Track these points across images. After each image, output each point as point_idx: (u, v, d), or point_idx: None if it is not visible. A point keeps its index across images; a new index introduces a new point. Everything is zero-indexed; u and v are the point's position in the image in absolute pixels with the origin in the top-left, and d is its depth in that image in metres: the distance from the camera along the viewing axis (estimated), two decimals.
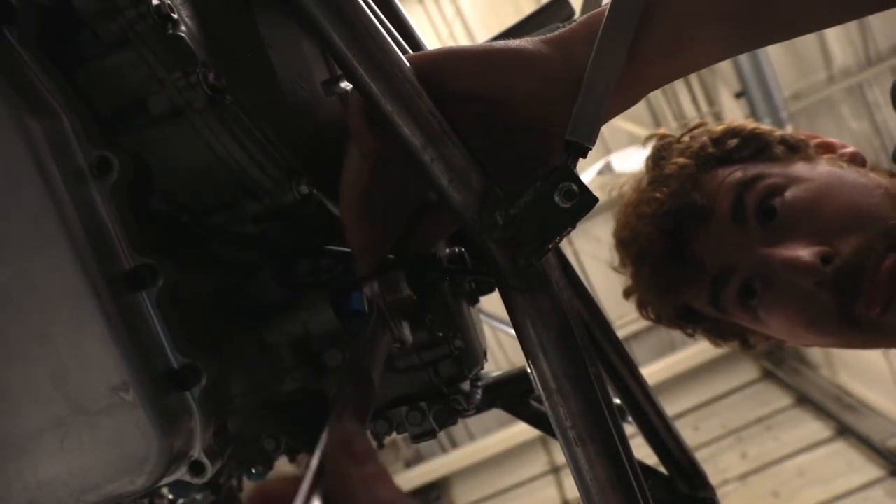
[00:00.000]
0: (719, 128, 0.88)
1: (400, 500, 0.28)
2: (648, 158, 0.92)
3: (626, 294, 0.97)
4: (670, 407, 4.18)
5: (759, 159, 0.81)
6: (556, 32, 0.49)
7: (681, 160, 0.84)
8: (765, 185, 0.77)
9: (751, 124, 0.87)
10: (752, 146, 0.83)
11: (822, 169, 0.78)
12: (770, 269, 0.75)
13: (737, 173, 0.79)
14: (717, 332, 0.95)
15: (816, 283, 0.71)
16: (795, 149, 0.82)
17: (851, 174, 0.76)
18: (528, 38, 0.48)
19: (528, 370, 0.48)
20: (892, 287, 0.68)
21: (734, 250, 0.78)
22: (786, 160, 0.80)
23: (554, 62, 0.47)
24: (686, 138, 0.89)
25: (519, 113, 0.47)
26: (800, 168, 0.78)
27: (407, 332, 0.55)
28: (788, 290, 0.74)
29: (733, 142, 0.83)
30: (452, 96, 0.46)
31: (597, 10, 0.48)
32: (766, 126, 0.87)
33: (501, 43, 0.48)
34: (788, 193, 0.75)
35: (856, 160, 0.82)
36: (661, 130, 0.95)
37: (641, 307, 0.96)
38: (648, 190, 0.87)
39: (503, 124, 0.49)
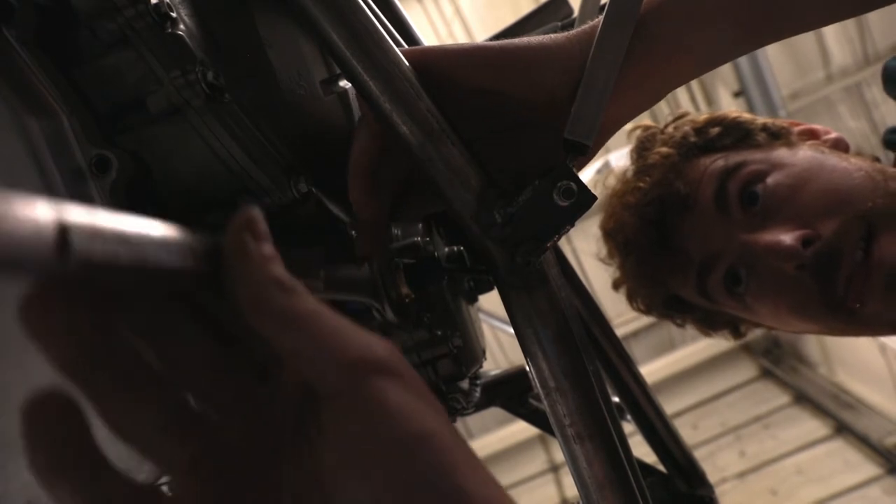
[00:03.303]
0: (702, 117, 0.88)
1: (286, 280, 0.27)
2: (633, 150, 0.92)
3: (616, 285, 0.97)
4: (669, 405, 4.19)
5: (741, 147, 0.82)
6: (577, 29, 0.49)
7: (664, 150, 0.85)
8: (747, 171, 0.77)
9: (733, 113, 0.87)
10: (734, 134, 0.83)
11: (804, 154, 0.78)
12: (753, 255, 0.75)
13: (719, 161, 0.80)
14: (706, 322, 0.95)
15: (798, 266, 0.71)
16: (777, 135, 0.83)
17: (832, 158, 0.77)
18: (549, 35, 0.48)
19: (527, 368, 0.48)
20: (865, 278, 0.68)
21: (718, 238, 0.78)
22: (768, 147, 0.81)
23: (573, 54, 0.47)
24: (670, 129, 0.89)
25: (532, 109, 0.47)
26: (781, 154, 0.79)
27: (389, 313, 0.54)
28: (772, 275, 0.74)
29: (715, 130, 0.84)
30: (464, 93, 0.46)
31: None
32: (748, 114, 0.87)
33: (520, 40, 0.48)
34: (770, 179, 0.76)
35: (839, 145, 0.82)
36: (646, 122, 0.96)
37: (631, 298, 0.96)
38: (632, 180, 0.87)
39: (509, 122, 0.49)
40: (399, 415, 0.25)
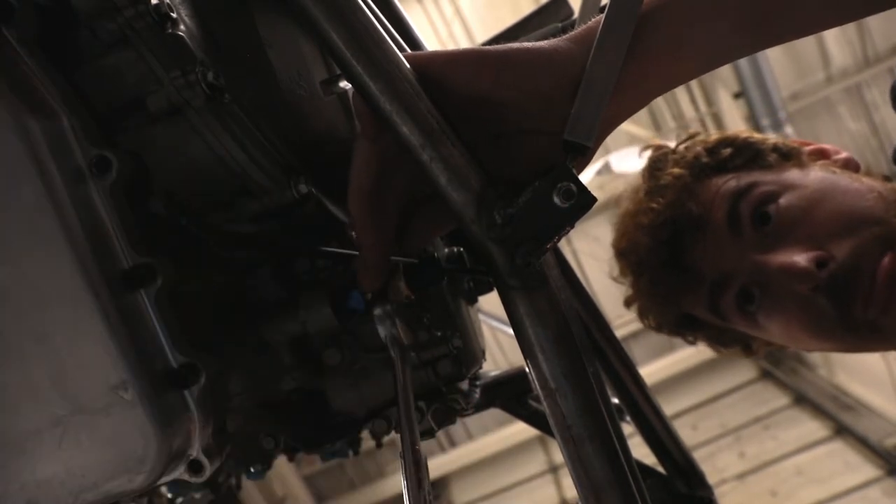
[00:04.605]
0: (713, 137, 0.89)
1: None
2: (644, 169, 0.93)
3: (627, 303, 0.98)
4: (669, 406, 4.19)
5: (752, 167, 0.82)
6: (575, 31, 0.49)
7: (676, 170, 0.85)
8: (759, 192, 0.78)
9: (744, 133, 0.88)
10: (745, 155, 0.84)
11: (815, 175, 0.78)
12: (767, 276, 0.76)
13: (730, 182, 0.80)
14: (718, 340, 0.96)
15: (812, 288, 0.71)
16: (788, 156, 0.83)
17: (844, 179, 0.77)
18: (547, 40, 0.48)
19: (527, 370, 0.48)
20: (890, 289, 0.68)
21: (731, 258, 0.79)
22: (779, 167, 0.81)
23: (572, 58, 0.47)
24: (681, 149, 0.90)
25: (530, 113, 0.47)
26: (793, 174, 0.79)
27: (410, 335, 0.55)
28: (786, 296, 0.75)
29: (727, 151, 0.84)
30: (462, 97, 0.46)
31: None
32: (758, 135, 0.88)
33: (517, 45, 0.47)
34: (782, 200, 0.76)
35: (849, 165, 0.82)
36: (657, 141, 0.97)
37: (643, 316, 0.97)
38: (645, 200, 0.88)
39: (509, 125, 0.48)
40: None
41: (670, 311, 0.91)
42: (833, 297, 0.71)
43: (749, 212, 0.77)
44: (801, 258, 0.71)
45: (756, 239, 0.77)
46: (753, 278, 0.78)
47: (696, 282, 0.83)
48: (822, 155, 0.84)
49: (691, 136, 0.93)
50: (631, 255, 0.90)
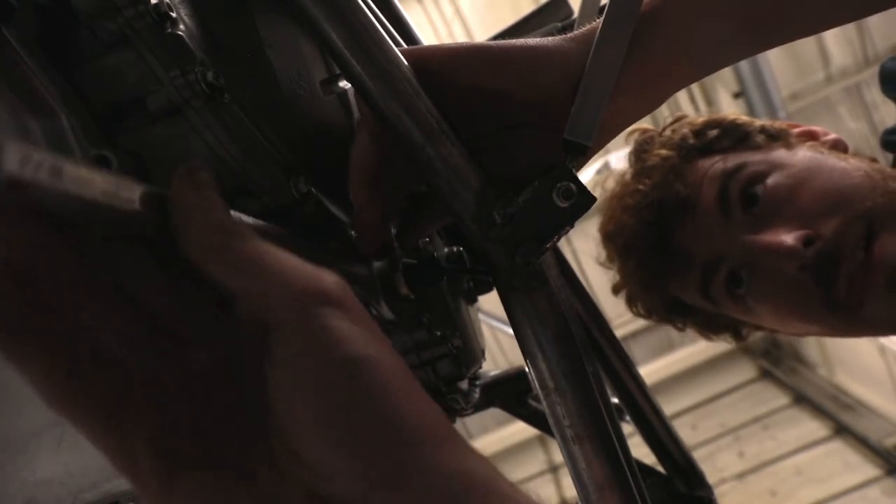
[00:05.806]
0: (699, 120, 0.89)
1: (229, 225, 0.28)
2: (631, 152, 0.92)
3: (615, 290, 0.97)
4: (668, 406, 4.19)
5: (740, 149, 0.82)
6: (577, 31, 0.49)
7: (663, 152, 0.85)
8: (747, 173, 0.78)
9: (731, 115, 0.88)
10: (732, 136, 0.84)
11: (803, 154, 0.78)
12: (754, 256, 0.75)
13: (718, 164, 0.80)
14: (707, 325, 0.95)
15: (800, 267, 0.71)
16: (776, 137, 0.83)
17: (832, 159, 0.77)
18: (550, 38, 0.48)
19: (526, 369, 0.48)
20: (866, 277, 0.68)
21: (720, 240, 0.78)
22: (767, 148, 0.81)
23: (573, 55, 0.47)
24: (668, 132, 0.90)
25: (531, 110, 0.47)
26: (780, 154, 0.79)
27: (385, 310, 0.54)
28: (773, 275, 0.74)
29: (713, 132, 0.84)
30: (463, 92, 0.46)
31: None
32: (745, 117, 0.88)
33: (520, 41, 0.47)
34: (770, 180, 0.76)
35: (838, 147, 0.82)
36: (643, 125, 0.96)
37: (631, 303, 0.96)
38: (632, 182, 0.87)
39: (509, 122, 0.48)
40: (339, 340, 0.26)
41: (658, 296, 0.91)
42: (818, 275, 0.71)
43: (738, 192, 0.77)
44: (788, 237, 0.71)
45: (744, 220, 0.77)
46: (742, 260, 0.77)
47: (685, 265, 0.83)
48: (810, 136, 0.84)
49: (678, 119, 0.93)
50: (618, 238, 0.90)
